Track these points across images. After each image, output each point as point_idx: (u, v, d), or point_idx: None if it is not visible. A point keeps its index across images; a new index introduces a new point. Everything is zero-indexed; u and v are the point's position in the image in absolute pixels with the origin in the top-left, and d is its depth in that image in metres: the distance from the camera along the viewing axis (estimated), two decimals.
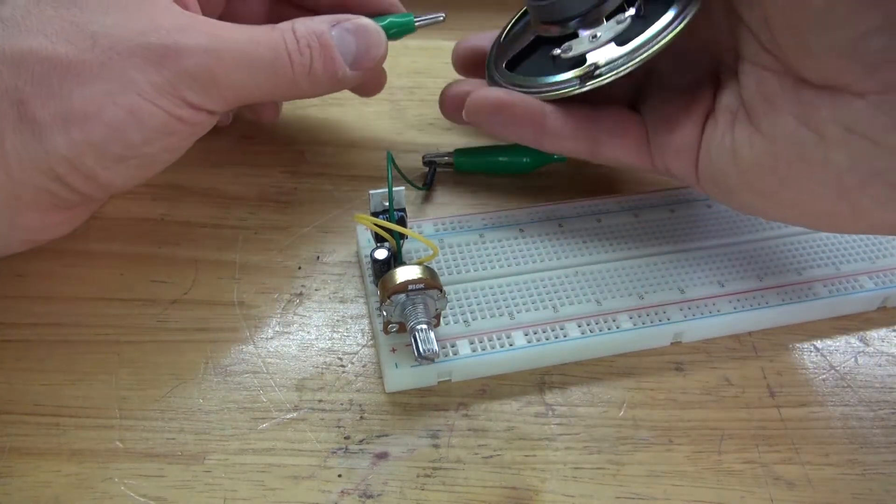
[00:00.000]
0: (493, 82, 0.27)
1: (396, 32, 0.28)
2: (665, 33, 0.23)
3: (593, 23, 0.25)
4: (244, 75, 0.22)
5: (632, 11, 0.24)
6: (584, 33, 0.25)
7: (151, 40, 0.21)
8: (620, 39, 0.24)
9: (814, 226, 0.22)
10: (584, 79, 0.25)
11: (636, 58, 0.24)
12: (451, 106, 0.28)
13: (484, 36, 0.29)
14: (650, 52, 0.24)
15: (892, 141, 0.19)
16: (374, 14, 0.27)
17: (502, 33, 0.29)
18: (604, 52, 0.24)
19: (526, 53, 0.27)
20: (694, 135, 0.24)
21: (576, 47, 0.25)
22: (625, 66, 0.24)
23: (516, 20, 0.29)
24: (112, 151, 0.21)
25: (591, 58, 0.25)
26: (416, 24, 0.28)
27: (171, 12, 0.22)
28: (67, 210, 0.22)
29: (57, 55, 0.20)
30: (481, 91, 0.26)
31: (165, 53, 0.21)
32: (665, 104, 0.25)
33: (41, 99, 0.20)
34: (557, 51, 0.25)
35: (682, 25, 0.23)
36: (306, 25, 0.23)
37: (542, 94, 0.26)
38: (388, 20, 0.27)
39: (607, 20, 0.24)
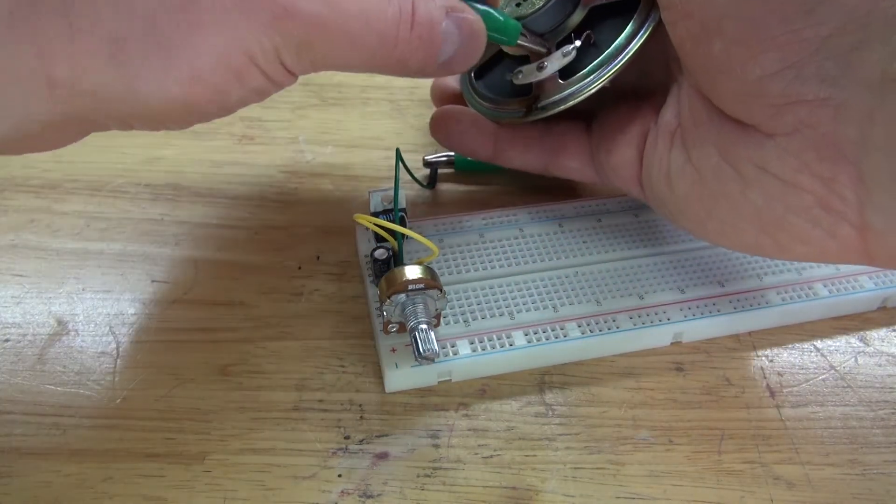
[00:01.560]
0: (465, 88, 0.28)
1: (496, 37, 0.23)
2: (606, 70, 0.23)
3: (550, 48, 0.24)
4: (344, 52, 0.20)
5: (577, 43, 0.23)
6: (534, 62, 0.24)
7: None
8: (567, 71, 0.24)
9: (747, 252, 0.22)
10: (528, 109, 0.25)
11: (577, 95, 0.23)
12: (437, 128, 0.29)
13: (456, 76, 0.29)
14: (590, 89, 0.23)
15: (801, 181, 0.19)
16: None
17: None
18: (548, 84, 0.24)
19: (491, 64, 0.27)
20: (630, 153, 0.24)
21: (525, 74, 0.24)
22: (564, 104, 0.24)
23: None
24: (206, 112, 0.19)
25: (536, 89, 0.24)
26: (519, 42, 0.23)
27: None
28: (86, 134, 0.20)
29: None
30: (442, 109, 0.28)
31: (281, 14, 0.18)
32: (607, 119, 0.25)
33: (143, 45, 0.17)
34: (509, 75, 0.25)
35: (622, 62, 0.23)
36: (427, 9, 0.20)
37: (496, 118, 0.26)
38: (495, 21, 0.22)
39: (557, 48, 0.24)
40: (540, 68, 0.24)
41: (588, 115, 0.27)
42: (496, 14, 0.23)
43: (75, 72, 0.17)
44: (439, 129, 0.28)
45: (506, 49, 0.25)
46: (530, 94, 0.25)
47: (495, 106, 0.26)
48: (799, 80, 0.18)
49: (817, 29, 0.17)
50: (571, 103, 0.24)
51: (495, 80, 0.27)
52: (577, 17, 0.24)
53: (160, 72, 0.17)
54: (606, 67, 0.23)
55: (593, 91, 0.23)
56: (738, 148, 0.20)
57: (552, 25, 0.24)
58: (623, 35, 0.23)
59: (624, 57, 0.23)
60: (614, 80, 0.23)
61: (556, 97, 0.24)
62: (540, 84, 0.24)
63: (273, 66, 0.19)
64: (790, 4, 0.17)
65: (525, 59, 0.25)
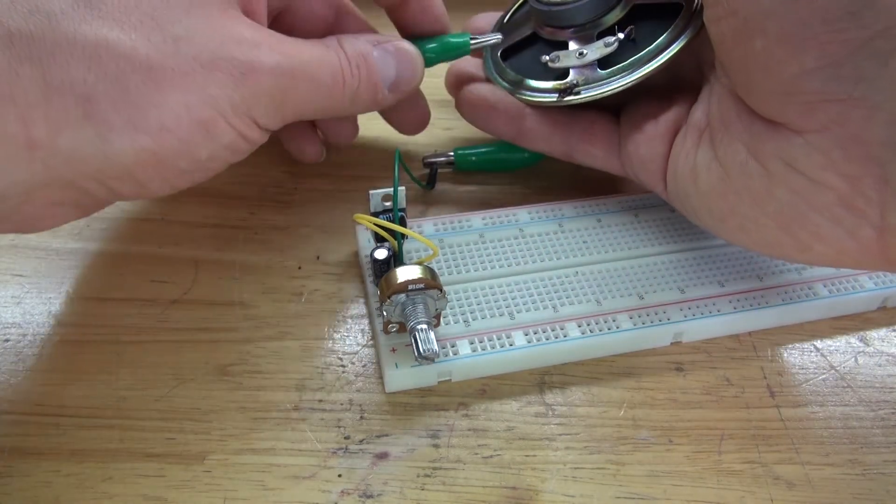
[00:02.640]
0: (487, 68, 0.28)
1: (452, 54, 0.26)
2: (645, 67, 0.23)
3: (586, 38, 0.25)
4: (308, 97, 0.22)
5: (620, 36, 0.24)
6: (574, 47, 0.25)
7: (235, 54, 0.20)
8: (605, 62, 0.24)
9: (764, 253, 0.22)
10: (562, 93, 0.25)
11: (613, 84, 0.24)
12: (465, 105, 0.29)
13: (472, 61, 0.30)
14: (627, 82, 0.24)
15: (827, 179, 0.19)
16: (427, 35, 0.26)
17: (506, 14, 0.29)
18: (586, 71, 0.24)
19: (521, 46, 0.28)
20: (660, 148, 0.24)
21: (563, 59, 0.25)
22: (600, 92, 0.24)
23: (521, 4, 0.29)
24: (177, 166, 0.20)
25: (574, 74, 0.25)
26: (472, 45, 0.26)
27: (243, 23, 0.21)
28: (77, 209, 0.21)
29: (136, 55, 0.18)
30: (470, 87, 0.28)
31: (246, 71, 0.20)
32: (639, 112, 0.25)
33: (113, 100, 0.18)
34: (546, 58, 0.25)
35: (662, 60, 0.23)
36: (353, 46, 0.23)
37: (524, 99, 0.27)
38: (444, 41, 0.26)
39: (598, 38, 0.24)
40: (580, 55, 0.24)
41: (616, 107, 0.27)
42: (443, 38, 0.26)
43: (51, 131, 0.18)
44: (466, 104, 0.28)
45: (538, 31, 0.26)
46: (564, 80, 0.25)
47: (523, 88, 0.27)
48: (836, 79, 0.18)
49: (860, 31, 0.17)
50: (609, 92, 0.24)
51: (525, 61, 0.27)
52: (616, 13, 0.24)
53: (130, 126, 0.18)
54: (648, 63, 0.23)
55: (630, 84, 0.24)
56: (766, 145, 0.20)
57: (590, 18, 0.24)
58: (666, 34, 0.23)
59: (667, 54, 0.23)
60: (646, 79, 0.24)
61: (594, 85, 0.24)
62: (576, 70, 0.25)
63: (243, 121, 0.20)
64: (835, 6, 0.17)
65: (561, 44, 0.25)
